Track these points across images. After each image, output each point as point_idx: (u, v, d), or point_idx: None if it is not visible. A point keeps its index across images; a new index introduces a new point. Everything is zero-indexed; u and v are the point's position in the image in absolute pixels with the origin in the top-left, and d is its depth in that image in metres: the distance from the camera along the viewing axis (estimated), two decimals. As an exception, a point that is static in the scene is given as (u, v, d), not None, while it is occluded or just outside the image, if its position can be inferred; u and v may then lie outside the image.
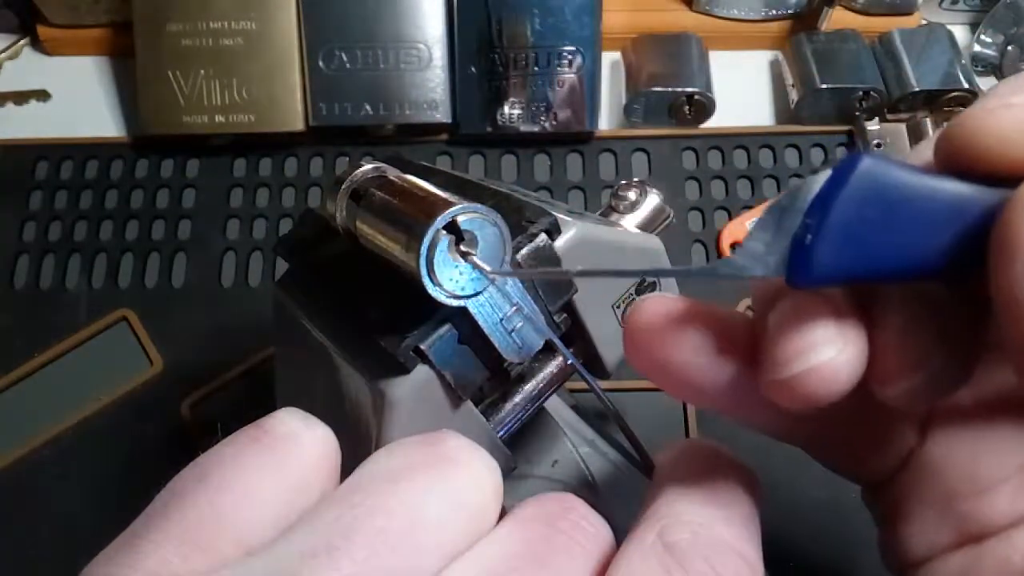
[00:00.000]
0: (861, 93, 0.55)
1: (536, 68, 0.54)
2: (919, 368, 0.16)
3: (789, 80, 0.58)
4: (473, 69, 0.55)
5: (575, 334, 0.28)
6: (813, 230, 0.16)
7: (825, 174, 0.16)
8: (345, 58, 0.55)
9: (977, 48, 0.59)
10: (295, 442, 0.20)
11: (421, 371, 0.23)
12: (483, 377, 0.25)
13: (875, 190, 0.16)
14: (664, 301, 0.20)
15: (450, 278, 0.21)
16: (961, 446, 0.20)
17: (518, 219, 0.25)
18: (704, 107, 0.56)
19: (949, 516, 0.20)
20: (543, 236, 0.25)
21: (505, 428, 0.27)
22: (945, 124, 0.16)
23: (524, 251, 0.24)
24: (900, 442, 0.21)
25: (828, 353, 0.17)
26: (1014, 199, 0.15)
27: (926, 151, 0.18)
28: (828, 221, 0.16)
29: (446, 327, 0.23)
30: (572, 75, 0.54)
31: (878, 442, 0.21)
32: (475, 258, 0.21)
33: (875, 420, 0.21)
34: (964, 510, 0.19)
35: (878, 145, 0.54)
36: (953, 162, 0.17)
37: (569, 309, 0.26)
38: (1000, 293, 0.15)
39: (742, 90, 0.59)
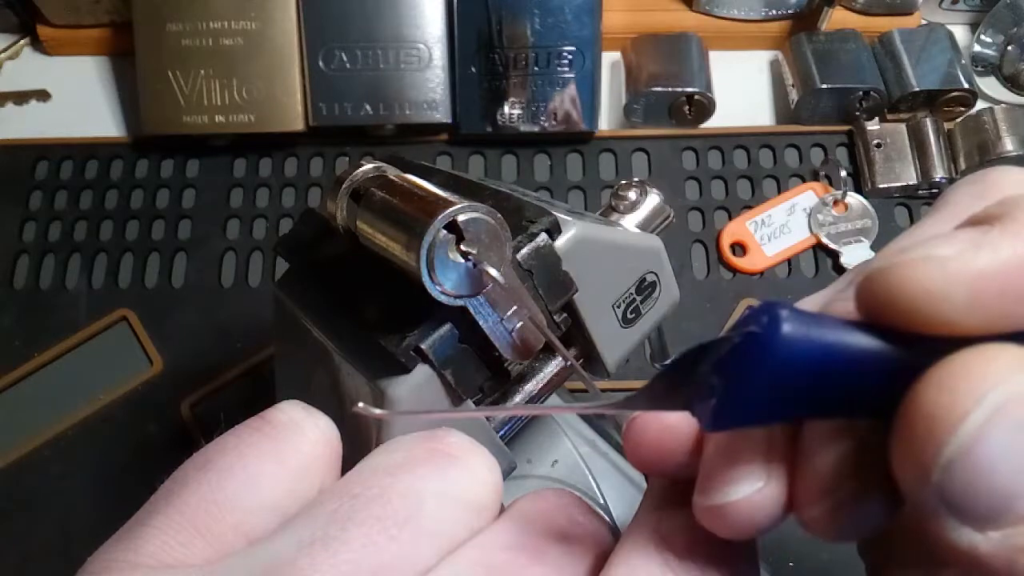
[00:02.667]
0: (861, 93, 0.55)
1: (536, 68, 0.54)
2: (828, 495, 0.16)
3: (789, 80, 0.58)
4: (473, 69, 0.55)
5: (575, 334, 0.28)
6: (719, 393, 0.15)
7: (734, 335, 0.15)
8: (345, 58, 0.55)
9: (977, 48, 0.59)
10: (297, 431, 0.20)
11: (421, 371, 0.23)
12: (483, 377, 0.25)
13: (787, 358, 0.15)
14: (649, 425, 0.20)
15: (450, 277, 0.21)
16: None
17: (518, 219, 0.25)
18: (704, 107, 0.56)
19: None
20: (543, 236, 0.25)
21: (505, 428, 0.27)
22: (867, 271, 0.16)
23: (524, 251, 0.24)
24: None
25: (747, 490, 0.17)
26: (925, 379, 0.15)
27: (842, 297, 0.18)
28: (733, 389, 0.15)
29: (446, 327, 0.23)
30: (572, 75, 0.54)
31: None
32: (475, 257, 0.21)
33: None
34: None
35: (878, 145, 0.54)
36: (874, 315, 0.16)
37: (569, 309, 0.26)
38: (897, 466, 0.15)
39: (742, 90, 0.59)
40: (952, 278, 0.15)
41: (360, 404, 0.20)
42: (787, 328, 0.15)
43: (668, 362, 0.17)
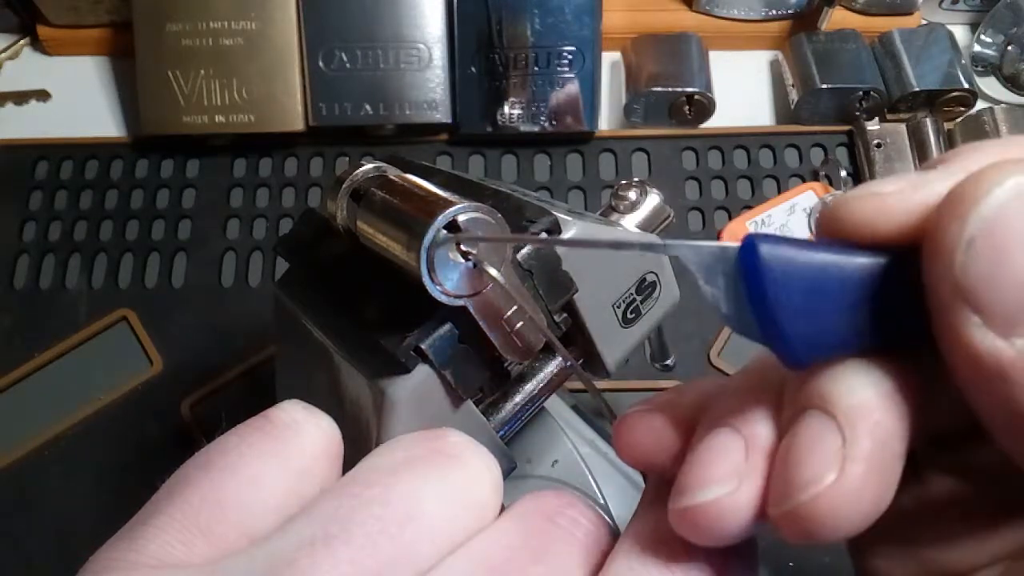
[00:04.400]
0: (861, 93, 0.55)
1: (536, 68, 0.54)
2: (797, 493, 0.16)
3: (789, 80, 0.58)
4: (473, 69, 0.55)
5: (575, 334, 0.28)
6: (777, 326, 0.16)
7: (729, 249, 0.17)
8: (345, 58, 0.55)
9: (977, 48, 0.59)
10: (298, 430, 0.20)
11: (421, 371, 0.23)
12: (483, 377, 0.25)
13: (793, 272, 0.16)
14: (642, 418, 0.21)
15: (450, 277, 0.21)
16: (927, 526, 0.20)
17: (518, 219, 0.25)
18: (704, 107, 0.56)
19: (915, 560, 0.20)
20: (543, 236, 0.25)
21: (505, 428, 0.27)
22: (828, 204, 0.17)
23: (525, 251, 0.24)
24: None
25: (716, 492, 0.17)
26: (928, 251, 0.15)
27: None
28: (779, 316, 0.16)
29: (446, 327, 0.23)
30: (572, 75, 0.54)
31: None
32: (475, 257, 0.21)
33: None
34: (929, 559, 0.19)
35: (878, 145, 0.54)
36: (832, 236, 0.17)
37: (569, 309, 0.26)
38: (926, 261, 0.15)
39: (742, 90, 0.59)
40: (888, 210, 0.16)
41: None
42: (766, 245, 0.16)
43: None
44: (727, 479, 0.17)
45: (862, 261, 0.16)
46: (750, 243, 0.16)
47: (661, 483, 0.20)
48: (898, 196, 0.16)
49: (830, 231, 0.17)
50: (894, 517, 0.17)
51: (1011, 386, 0.14)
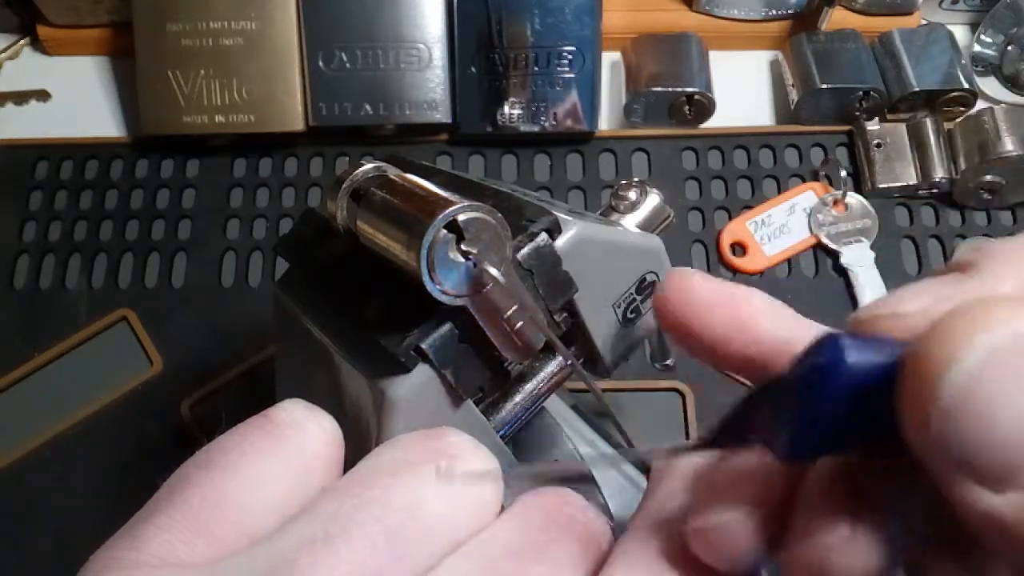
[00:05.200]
0: (861, 93, 0.55)
1: (536, 68, 0.54)
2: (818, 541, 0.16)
3: (789, 80, 0.58)
4: (473, 69, 0.55)
5: (575, 334, 0.28)
6: (790, 425, 0.16)
7: (807, 361, 0.16)
8: (345, 58, 0.55)
9: (977, 48, 0.59)
10: (299, 430, 0.20)
11: (421, 370, 0.23)
12: (483, 377, 0.25)
13: (858, 373, 0.15)
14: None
15: (450, 277, 0.21)
16: None
17: (518, 218, 0.25)
18: (704, 107, 0.56)
19: None
20: (544, 235, 0.25)
21: (505, 428, 0.27)
22: (853, 316, 0.17)
23: (525, 250, 0.24)
24: None
25: (731, 518, 0.17)
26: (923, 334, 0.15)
27: None
28: (818, 407, 0.16)
29: (447, 326, 0.23)
30: (572, 75, 0.54)
31: None
32: (475, 257, 0.21)
33: None
34: None
35: (878, 145, 0.54)
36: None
37: (569, 309, 0.26)
38: (903, 425, 0.15)
39: (742, 90, 0.59)
40: (911, 330, 0.15)
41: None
42: (851, 354, 0.15)
43: (729, 411, 0.17)
44: (744, 508, 0.17)
45: (884, 362, 0.15)
46: (838, 343, 0.16)
47: (666, 483, 0.20)
48: (921, 317, 0.15)
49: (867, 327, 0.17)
50: (913, 559, 0.17)
51: (1012, 538, 0.14)
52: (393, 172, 0.24)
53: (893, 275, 0.51)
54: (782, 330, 0.19)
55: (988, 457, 0.13)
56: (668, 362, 0.48)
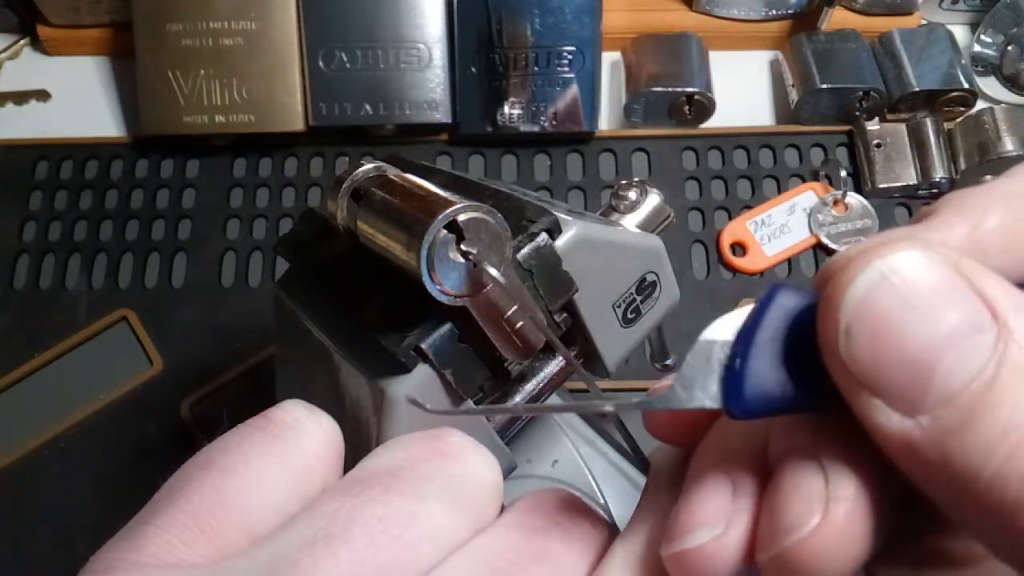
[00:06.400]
0: (861, 93, 0.55)
1: (536, 68, 0.54)
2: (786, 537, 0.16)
3: (789, 80, 0.58)
4: (473, 69, 0.55)
5: (575, 334, 0.28)
6: (740, 358, 0.16)
7: (748, 307, 0.17)
8: (345, 58, 0.55)
9: (977, 48, 0.59)
10: (299, 430, 0.20)
11: (421, 370, 0.23)
12: (483, 377, 0.25)
13: (793, 318, 0.17)
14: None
15: (450, 277, 0.21)
16: None
17: (519, 218, 0.25)
18: (704, 107, 0.56)
19: None
20: (544, 236, 0.25)
21: (505, 428, 0.27)
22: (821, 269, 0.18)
23: (525, 251, 0.24)
24: None
25: (705, 536, 0.17)
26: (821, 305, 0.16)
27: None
28: (752, 350, 0.16)
29: (447, 326, 0.23)
30: (572, 75, 0.54)
31: None
32: (475, 257, 0.21)
33: None
34: None
35: (878, 145, 0.54)
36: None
37: (569, 309, 0.26)
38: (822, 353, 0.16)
39: (742, 90, 0.59)
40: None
41: None
42: (784, 292, 0.17)
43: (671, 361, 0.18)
44: (714, 523, 0.17)
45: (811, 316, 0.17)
46: (774, 289, 0.17)
47: (663, 483, 0.20)
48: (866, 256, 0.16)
49: (816, 282, 0.17)
50: (900, 540, 0.17)
51: (925, 462, 0.14)
52: (393, 172, 0.24)
53: (893, 275, 0.51)
54: None
55: (888, 376, 0.14)
56: (668, 362, 0.48)
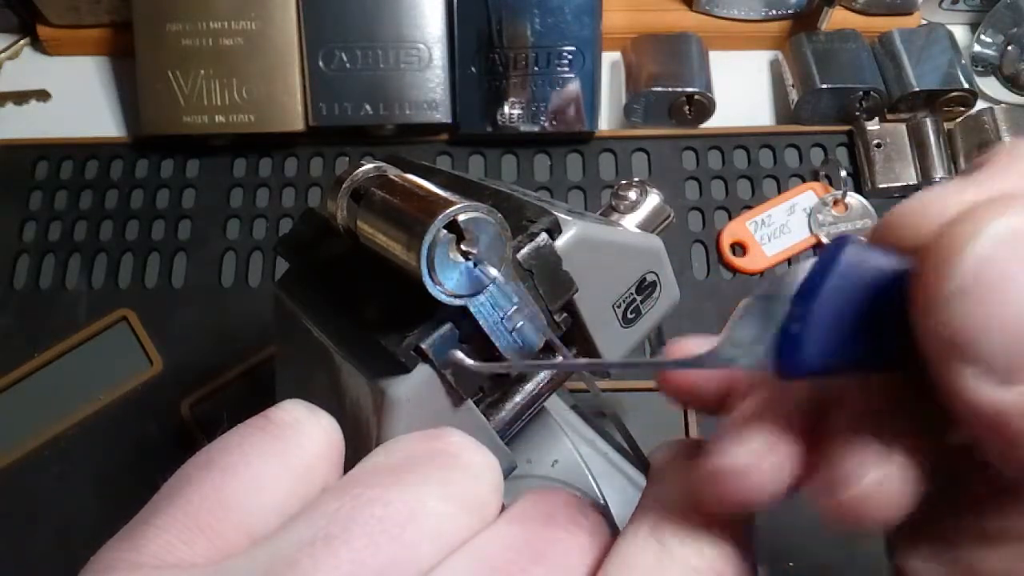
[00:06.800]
0: (861, 93, 0.55)
1: (536, 68, 0.54)
2: (852, 482, 0.16)
3: (789, 80, 0.58)
4: (473, 69, 0.55)
5: (575, 334, 0.28)
6: (800, 319, 0.15)
7: (808, 263, 0.16)
8: (345, 58, 0.55)
9: (977, 48, 0.59)
10: (300, 430, 0.20)
11: (422, 370, 0.23)
12: (483, 377, 0.25)
13: (860, 276, 0.16)
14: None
15: (450, 277, 0.21)
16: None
17: (519, 218, 0.25)
18: (704, 107, 0.56)
19: (952, 562, 0.19)
20: (544, 235, 0.25)
21: (505, 428, 0.27)
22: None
23: (525, 251, 0.24)
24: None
25: (750, 456, 0.17)
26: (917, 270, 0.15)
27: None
28: (814, 309, 0.15)
29: (447, 326, 0.23)
30: (572, 75, 0.54)
31: None
32: (475, 257, 0.21)
33: None
34: (966, 562, 0.18)
35: (878, 145, 0.54)
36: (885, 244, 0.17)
37: (569, 309, 0.26)
38: (914, 316, 0.15)
39: (742, 90, 0.59)
40: (915, 219, 0.16)
41: None
42: (853, 247, 0.15)
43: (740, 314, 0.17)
44: (762, 445, 0.17)
45: (883, 274, 0.16)
46: (840, 243, 0.16)
47: (664, 481, 0.20)
48: (926, 215, 0.16)
49: (878, 236, 0.17)
50: (932, 518, 0.17)
51: (1012, 435, 0.14)
52: (393, 172, 0.24)
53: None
54: None
55: (993, 342, 0.13)
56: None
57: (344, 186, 0.24)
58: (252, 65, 0.55)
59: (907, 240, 0.16)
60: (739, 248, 0.53)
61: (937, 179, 0.53)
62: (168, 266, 0.53)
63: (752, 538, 0.20)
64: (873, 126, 0.55)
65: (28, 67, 0.62)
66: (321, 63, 0.55)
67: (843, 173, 0.54)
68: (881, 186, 0.53)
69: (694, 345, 0.19)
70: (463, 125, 0.56)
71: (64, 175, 0.56)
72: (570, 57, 0.54)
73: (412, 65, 0.55)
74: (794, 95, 0.56)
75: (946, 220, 0.15)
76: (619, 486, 0.37)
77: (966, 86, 0.55)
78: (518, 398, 0.27)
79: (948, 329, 0.14)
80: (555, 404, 0.39)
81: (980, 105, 0.56)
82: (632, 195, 0.32)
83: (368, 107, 0.55)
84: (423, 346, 0.22)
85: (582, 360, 0.27)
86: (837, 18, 0.58)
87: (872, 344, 0.16)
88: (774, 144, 0.56)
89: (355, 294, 0.25)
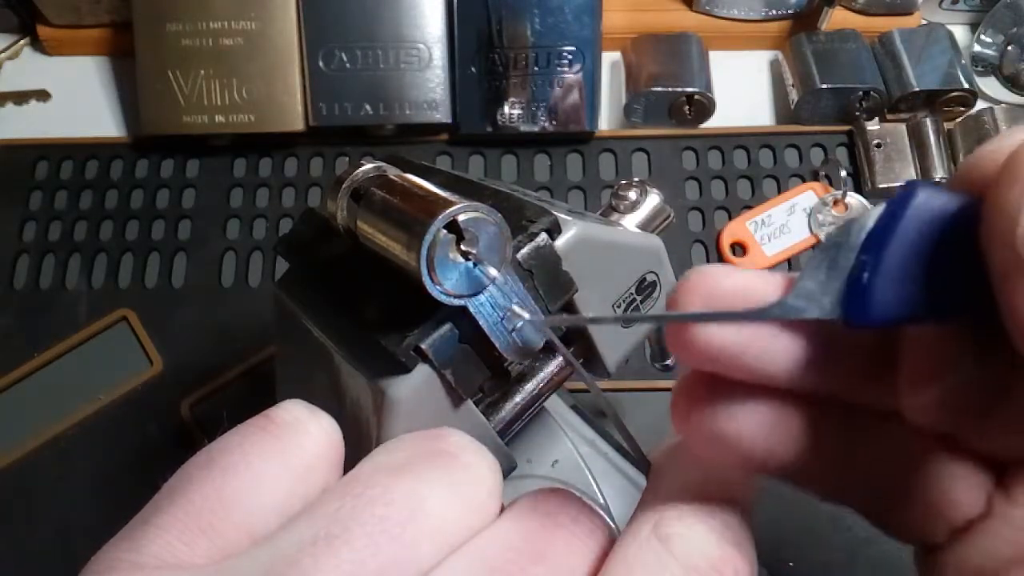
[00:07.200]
0: (861, 93, 0.55)
1: (536, 68, 0.54)
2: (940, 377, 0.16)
3: (789, 80, 0.58)
4: (473, 69, 0.55)
5: (575, 334, 0.28)
6: (870, 267, 0.15)
7: (878, 209, 0.16)
8: (345, 58, 0.55)
9: (977, 48, 0.59)
10: (300, 430, 0.20)
11: (421, 370, 0.23)
12: (483, 377, 0.25)
13: (931, 222, 0.15)
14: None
15: (450, 277, 0.21)
16: None
17: (518, 218, 0.25)
18: (704, 107, 0.56)
19: None
20: (543, 235, 0.25)
21: (505, 428, 0.27)
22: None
23: (524, 250, 0.24)
24: (966, 501, 0.18)
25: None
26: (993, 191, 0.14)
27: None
28: (885, 257, 0.15)
29: (447, 326, 0.23)
30: (572, 75, 0.54)
31: (939, 499, 0.19)
32: (475, 257, 0.21)
33: (938, 475, 0.19)
34: None
35: (878, 145, 0.54)
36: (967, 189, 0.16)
37: (569, 309, 0.26)
38: (987, 250, 0.14)
39: (742, 90, 0.59)
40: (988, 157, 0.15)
41: None
42: (924, 192, 0.15)
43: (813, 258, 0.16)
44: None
45: (955, 216, 0.15)
46: (912, 187, 0.15)
47: (665, 481, 0.20)
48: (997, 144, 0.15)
49: (960, 181, 0.16)
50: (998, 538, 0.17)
51: None
52: (393, 172, 0.24)
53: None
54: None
55: None
56: (668, 362, 0.48)
57: (344, 186, 0.24)
58: (252, 65, 0.55)
59: (980, 180, 0.15)
60: (739, 248, 0.53)
61: (937, 179, 0.53)
62: (168, 266, 0.53)
63: (753, 538, 0.20)
64: (873, 126, 0.55)
65: (28, 67, 0.62)
66: (321, 63, 0.55)
67: (843, 173, 0.54)
68: (881, 186, 0.53)
69: (719, 275, 0.18)
70: (463, 125, 0.56)
71: (64, 175, 0.56)
72: (570, 57, 0.54)
73: (412, 65, 0.55)
74: (794, 95, 0.56)
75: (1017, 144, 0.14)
76: (619, 486, 0.37)
77: (966, 86, 0.55)
78: (518, 398, 0.27)
79: (1016, 246, 0.13)
80: (555, 404, 0.39)
81: (980, 105, 0.56)
82: (632, 195, 0.32)
83: (368, 107, 0.55)
84: (423, 346, 0.22)
85: (649, 314, 0.26)
86: (837, 18, 0.58)
87: (943, 291, 0.15)
88: (774, 144, 0.56)
89: (355, 294, 0.25)
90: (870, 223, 0.15)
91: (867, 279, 0.15)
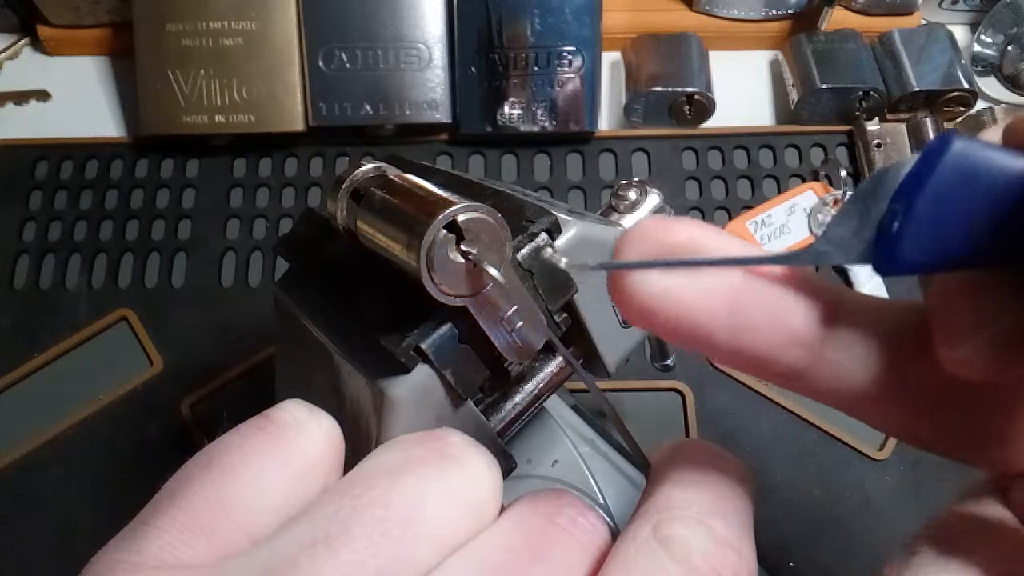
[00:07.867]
0: (861, 93, 0.55)
1: (536, 68, 0.54)
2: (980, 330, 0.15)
3: (789, 80, 0.58)
4: (473, 69, 0.55)
5: (575, 334, 0.28)
6: (900, 216, 0.15)
7: (912, 159, 0.16)
8: (345, 58, 0.55)
9: (977, 48, 0.59)
10: (300, 431, 0.20)
11: (421, 371, 0.23)
12: (483, 377, 0.25)
13: (965, 172, 0.15)
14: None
15: (450, 277, 0.21)
16: None
17: (518, 218, 0.25)
18: (704, 107, 0.56)
19: None
20: (543, 235, 0.24)
21: (505, 428, 0.27)
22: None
23: (524, 251, 0.24)
24: None
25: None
26: None
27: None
28: (916, 206, 0.15)
29: (446, 326, 0.23)
30: (572, 75, 0.54)
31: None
32: (475, 257, 0.21)
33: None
34: None
35: (878, 145, 0.54)
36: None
37: (569, 309, 0.26)
38: None
39: (742, 90, 0.59)
40: None
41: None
42: (960, 142, 0.15)
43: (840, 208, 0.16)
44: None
45: (990, 166, 0.15)
46: (947, 137, 0.15)
47: (665, 482, 0.20)
48: None
49: (1008, 140, 0.16)
50: None
51: None
52: (393, 172, 0.24)
53: (893, 275, 0.51)
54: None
55: None
56: (668, 362, 0.48)
57: (344, 186, 0.24)
58: (252, 65, 0.55)
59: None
60: (739, 248, 0.53)
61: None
62: (168, 266, 0.53)
63: (753, 538, 0.20)
64: (873, 126, 0.55)
65: (28, 67, 0.62)
66: (321, 63, 0.55)
67: (843, 173, 0.54)
68: (881, 186, 0.53)
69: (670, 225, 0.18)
70: (463, 125, 0.56)
71: (64, 175, 0.56)
72: (570, 57, 0.54)
73: (412, 65, 0.55)
74: (794, 95, 0.56)
75: None
76: (619, 486, 0.37)
77: (966, 86, 0.55)
78: (518, 398, 0.27)
79: None
80: (555, 404, 0.39)
81: (980, 105, 0.56)
82: (632, 195, 0.32)
83: (368, 107, 0.55)
84: (423, 346, 0.22)
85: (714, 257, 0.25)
86: (837, 18, 0.58)
87: (976, 241, 0.15)
88: (774, 144, 0.56)
89: (355, 294, 0.25)
90: (903, 172, 0.15)
91: (898, 227, 0.15)
